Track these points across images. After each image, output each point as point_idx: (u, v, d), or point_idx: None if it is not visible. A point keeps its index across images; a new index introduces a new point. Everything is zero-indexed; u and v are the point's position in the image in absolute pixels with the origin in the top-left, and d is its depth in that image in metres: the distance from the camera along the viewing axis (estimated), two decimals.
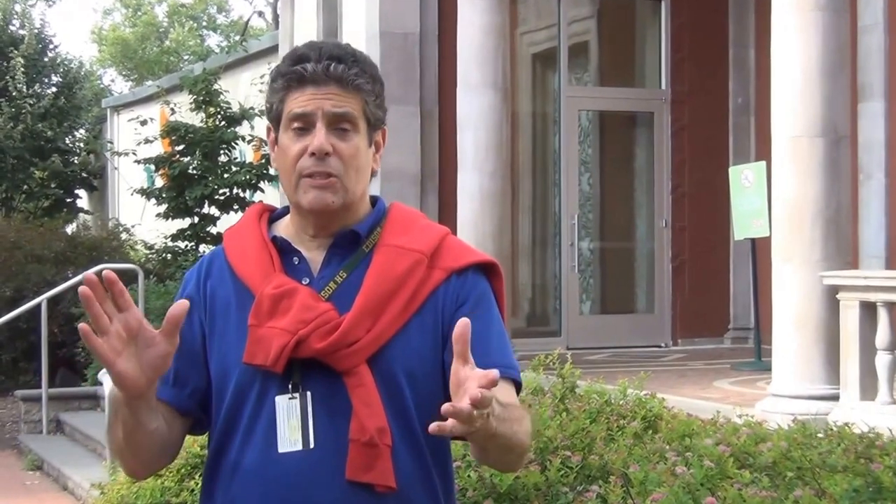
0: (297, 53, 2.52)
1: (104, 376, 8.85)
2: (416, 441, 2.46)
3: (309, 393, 2.43)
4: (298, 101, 2.48)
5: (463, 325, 2.19)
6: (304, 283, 2.50)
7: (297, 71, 2.48)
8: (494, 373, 2.12)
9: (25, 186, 21.14)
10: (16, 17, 22.67)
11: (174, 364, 2.41)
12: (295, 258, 2.53)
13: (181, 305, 2.32)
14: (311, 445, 2.42)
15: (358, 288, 2.46)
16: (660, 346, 13.45)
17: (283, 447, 2.43)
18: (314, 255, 2.54)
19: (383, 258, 2.49)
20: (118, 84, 42.26)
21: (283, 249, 2.54)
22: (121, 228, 18.62)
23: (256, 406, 2.46)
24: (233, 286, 2.54)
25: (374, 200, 2.62)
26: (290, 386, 2.44)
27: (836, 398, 7.64)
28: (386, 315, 2.45)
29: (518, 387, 2.50)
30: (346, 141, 2.48)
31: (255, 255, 2.53)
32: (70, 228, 20.39)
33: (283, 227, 2.60)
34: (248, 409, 2.47)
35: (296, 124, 2.49)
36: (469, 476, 4.68)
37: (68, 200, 22.14)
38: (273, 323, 2.43)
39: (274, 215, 2.65)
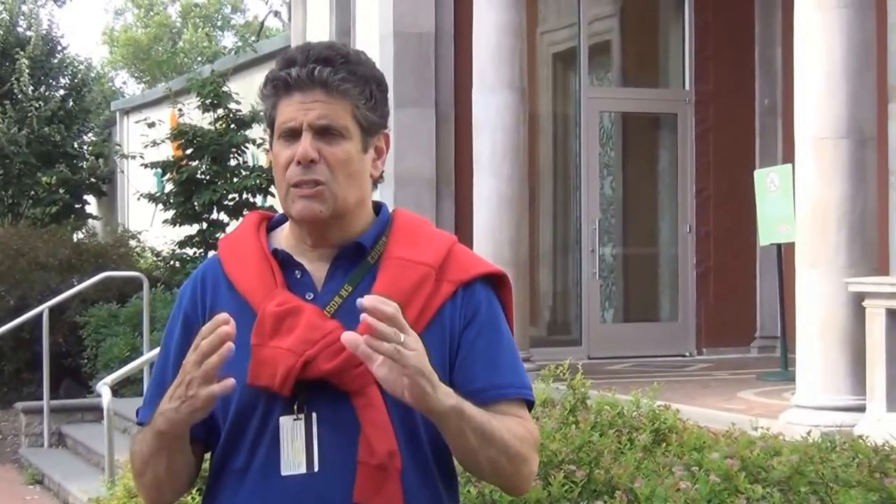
0: (287, 55, 2.46)
1: (103, 387, 8.51)
2: (426, 464, 2.40)
3: (314, 414, 2.36)
4: (287, 112, 2.42)
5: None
6: (307, 298, 2.43)
7: (282, 76, 2.43)
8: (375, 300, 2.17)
9: (32, 192, 20.86)
10: (23, 17, 22.32)
11: None
12: (297, 272, 2.46)
13: (227, 384, 2.27)
14: (316, 468, 2.35)
15: None
16: (684, 356, 13.17)
17: (286, 470, 2.36)
18: (317, 268, 2.46)
19: (390, 272, 2.42)
20: (130, 86, 42.08)
21: (285, 262, 2.47)
22: (128, 235, 18.37)
23: (259, 427, 2.39)
24: (231, 300, 2.45)
25: (378, 207, 2.54)
26: (294, 406, 2.37)
27: (862, 409, 7.49)
28: None
29: (530, 406, 2.47)
30: (335, 146, 2.41)
31: (256, 268, 2.46)
32: (78, 235, 20.06)
33: (284, 238, 2.53)
34: (250, 431, 2.40)
35: (284, 132, 2.44)
36: (468, 492, 4.59)
37: (77, 206, 21.82)
38: (277, 342, 2.35)
39: (272, 223, 2.58)
